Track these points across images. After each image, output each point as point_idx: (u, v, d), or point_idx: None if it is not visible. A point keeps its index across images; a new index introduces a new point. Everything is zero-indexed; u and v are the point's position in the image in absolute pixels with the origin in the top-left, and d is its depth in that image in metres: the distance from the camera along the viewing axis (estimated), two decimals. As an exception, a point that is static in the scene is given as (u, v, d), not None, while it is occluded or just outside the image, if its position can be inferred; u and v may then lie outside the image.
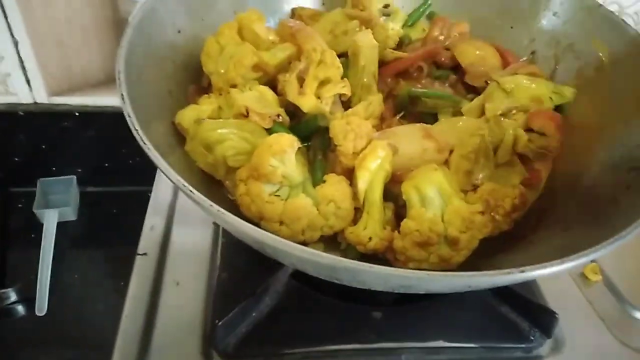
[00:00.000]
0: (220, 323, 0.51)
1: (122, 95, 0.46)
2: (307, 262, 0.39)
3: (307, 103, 0.54)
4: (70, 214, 0.94)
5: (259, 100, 0.55)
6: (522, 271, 0.36)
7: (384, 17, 0.74)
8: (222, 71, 0.57)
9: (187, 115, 0.54)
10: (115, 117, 0.91)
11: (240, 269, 0.60)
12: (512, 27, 0.68)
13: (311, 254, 0.36)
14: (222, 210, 0.39)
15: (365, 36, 0.60)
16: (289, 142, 0.49)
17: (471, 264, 0.49)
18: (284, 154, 0.48)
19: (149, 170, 0.91)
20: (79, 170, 0.96)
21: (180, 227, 0.66)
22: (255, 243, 0.41)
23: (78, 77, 0.88)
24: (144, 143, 0.43)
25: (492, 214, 0.50)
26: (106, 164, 0.97)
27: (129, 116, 0.45)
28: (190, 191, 0.40)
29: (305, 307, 0.56)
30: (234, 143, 0.52)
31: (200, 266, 0.61)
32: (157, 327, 0.55)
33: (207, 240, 0.64)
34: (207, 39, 0.60)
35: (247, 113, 0.53)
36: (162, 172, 0.42)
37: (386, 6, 0.74)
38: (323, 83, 0.56)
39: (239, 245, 0.62)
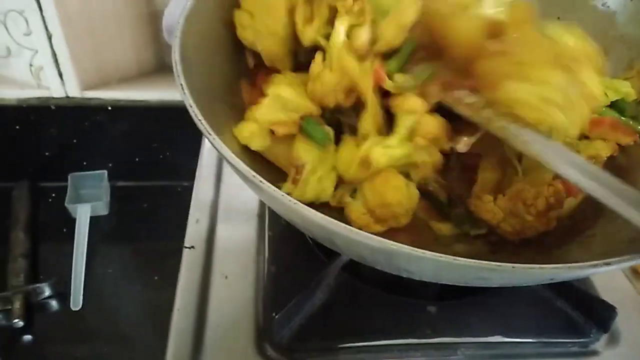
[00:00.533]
0: (277, 316, 0.50)
1: (181, 85, 0.46)
2: (390, 255, 0.38)
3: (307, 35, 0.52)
4: (102, 209, 0.93)
5: (280, 105, 0.52)
6: (608, 264, 0.35)
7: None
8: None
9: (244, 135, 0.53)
10: (146, 112, 0.92)
11: (289, 262, 0.59)
12: (558, 18, 0.67)
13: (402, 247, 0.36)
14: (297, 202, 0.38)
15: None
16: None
17: (529, 257, 0.49)
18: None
19: (179, 165, 0.91)
20: (110, 164, 0.96)
21: (224, 222, 0.65)
22: (327, 234, 0.40)
23: (111, 71, 0.88)
24: (209, 134, 0.42)
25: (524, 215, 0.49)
26: (137, 159, 0.97)
27: (191, 106, 0.44)
28: (261, 182, 0.39)
29: (358, 301, 0.55)
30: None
31: (247, 260, 0.60)
32: (209, 320, 0.54)
33: (252, 234, 0.63)
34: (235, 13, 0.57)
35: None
36: (230, 164, 0.41)
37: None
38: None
39: (286, 238, 0.63)
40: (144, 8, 0.84)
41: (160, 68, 0.93)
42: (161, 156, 0.96)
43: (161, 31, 0.81)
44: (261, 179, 0.40)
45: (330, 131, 0.52)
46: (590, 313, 0.56)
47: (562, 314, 0.56)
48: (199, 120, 0.43)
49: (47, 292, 0.82)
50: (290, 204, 0.39)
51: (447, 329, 0.54)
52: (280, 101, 0.51)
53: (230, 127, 0.51)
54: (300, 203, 0.38)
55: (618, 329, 0.57)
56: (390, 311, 0.55)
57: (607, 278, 0.60)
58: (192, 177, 0.75)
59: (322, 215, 0.38)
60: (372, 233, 0.38)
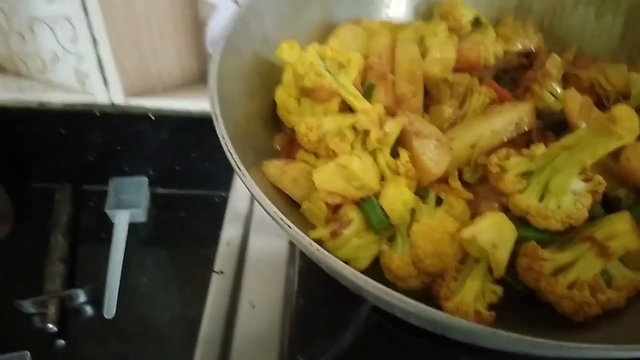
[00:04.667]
0: (301, 359, 0.48)
1: (215, 114, 0.44)
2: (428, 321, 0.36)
3: None
4: (141, 215, 0.93)
5: (344, 177, 0.50)
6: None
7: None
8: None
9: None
10: (188, 121, 0.92)
11: (319, 296, 0.57)
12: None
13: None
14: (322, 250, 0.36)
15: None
16: None
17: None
18: None
19: (217, 175, 0.91)
20: (151, 172, 0.96)
21: (256, 238, 0.64)
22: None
23: (154, 79, 0.88)
24: (239, 169, 0.40)
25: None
26: (177, 167, 0.97)
27: (223, 138, 0.42)
28: (289, 226, 0.37)
29: (388, 346, 0.52)
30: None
31: (276, 288, 0.58)
32: (233, 349, 0.53)
33: (283, 260, 0.61)
34: (276, 91, 0.57)
35: None
36: (258, 202, 0.39)
37: (477, 19, 0.70)
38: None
39: (317, 269, 0.60)
40: (188, 18, 0.83)
41: (204, 78, 0.92)
42: (199, 166, 0.96)
43: (205, 42, 0.80)
44: (289, 223, 0.38)
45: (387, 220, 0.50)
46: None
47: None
48: (230, 153, 0.42)
49: (82, 298, 0.82)
50: (318, 253, 0.36)
51: (481, 381, 0.50)
52: (346, 173, 0.49)
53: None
54: (329, 254, 0.36)
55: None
56: (422, 358, 0.52)
57: None
58: (229, 187, 0.73)
59: (353, 270, 0.35)
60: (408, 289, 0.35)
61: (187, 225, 0.95)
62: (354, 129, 0.53)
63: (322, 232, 0.48)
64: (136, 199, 0.94)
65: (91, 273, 0.87)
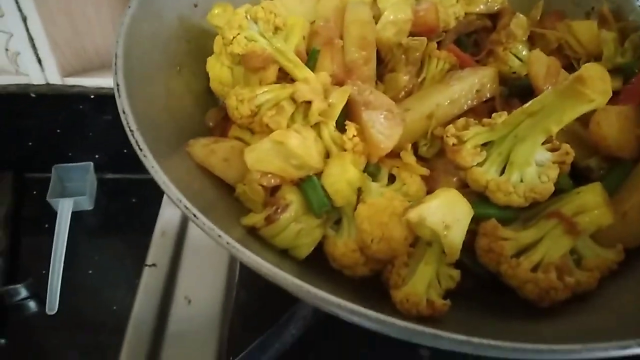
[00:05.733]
0: (234, 361, 0.43)
1: (117, 85, 0.38)
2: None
3: None
4: (87, 204, 0.87)
5: (281, 156, 0.45)
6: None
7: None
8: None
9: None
10: None
11: (263, 286, 0.51)
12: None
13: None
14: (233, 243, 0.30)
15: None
16: None
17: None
18: None
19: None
20: (97, 156, 0.90)
21: (195, 228, 0.58)
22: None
23: (92, 57, 0.81)
24: (140, 150, 0.34)
25: None
26: (125, 150, 0.90)
27: (124, 112, 0.36)
28: (194, 215, 0.31)
29: (339, 340, 0.47)
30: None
31: (215, 281, 0.53)
32: (165, 348, 0.47)
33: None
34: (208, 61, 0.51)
35: None
36: (161, 186, 0.33)
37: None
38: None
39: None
40: (124, -13, 0.76)
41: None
42: (150, 148, 0.89)
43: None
44: (196, 211, 0.32)
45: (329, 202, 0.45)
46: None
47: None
48: (131, 131, 0.35)
49: (24, 293, 0.78)
50: (230, 247, 0.31)
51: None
52: (283, 151, 0.43)
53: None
54: (240, 247, 0.30)
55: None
56: (377, 354, 0.47)
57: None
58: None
59: (268, 265, 0.30)
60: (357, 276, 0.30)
61: (137, 212, 0.89)
62: (293, 100, 0.47)
63: (256, 218, 0.43)
64: (81, 186, 0.88)
65: (34, 266, 0.81)
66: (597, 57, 0.58)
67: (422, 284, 0.42)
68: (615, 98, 0.53)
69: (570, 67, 0.58)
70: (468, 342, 0.28)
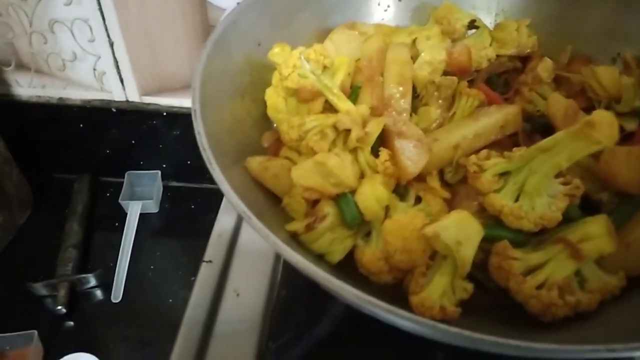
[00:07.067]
0: (274, 346, 0.50)
1: (194, 111, 0.47)
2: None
3: None
4: (153, 207, 0.98)
5: (320, 174, 0.52)
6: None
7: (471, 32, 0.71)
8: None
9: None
10: None
11: (301, 287, 0.59)
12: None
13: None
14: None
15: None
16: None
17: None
18: None
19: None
20: (164, 165, 1.01)
21: (247, 232, 0.67)
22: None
23: (167, 79, 0.92)
24: (209, 163, 0.43)
25: None
26: (188, 162, 1.01)
27: (199, 133, 0.45)
28: (250, 217, 0.40)
29: (365, 338, 0.54)
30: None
31: (261, 279, 0.61)
32: (215, 335, 0.56)
33: (271, 250, 0.64)
34: (266, 91, 0.59)
35: None
36: (225, 194, 0.42)
37: (472, 22, 0.70)
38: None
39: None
40: (198, 22, 0.86)
41: (213, 78, 0.96)
42: (210, 161, 0.99)
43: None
44: (251, 214, 0.40)
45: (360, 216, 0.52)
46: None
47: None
48: (203, 149, 0.44)
49: (93, 282, 0.88)
50: (276, 245, 0.39)
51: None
52: (323, 170, 0.51)
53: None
54: (295, 254, 0.38)
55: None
56: (397, 352, 0.53)
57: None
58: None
59: (324, 273, 0.37)
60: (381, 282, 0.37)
61: (196, 217, 1.00)
62: (336, 128, 0.55)
63: (298, 225, 0.51)
64: (149, 191, 0.99)
65: (102, 259, 0.92)
66: (617, 100, 0.63)
67: (436, 291, 0.48)
68: (632, 138, 0.59)
69: (592, 108, 0.64)
70: (460, 334, 0.34)
